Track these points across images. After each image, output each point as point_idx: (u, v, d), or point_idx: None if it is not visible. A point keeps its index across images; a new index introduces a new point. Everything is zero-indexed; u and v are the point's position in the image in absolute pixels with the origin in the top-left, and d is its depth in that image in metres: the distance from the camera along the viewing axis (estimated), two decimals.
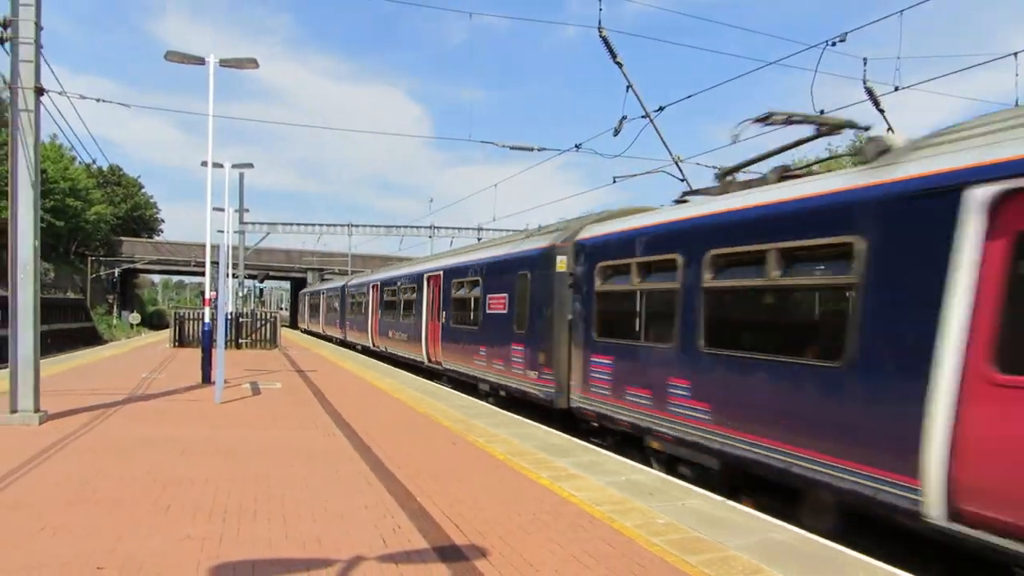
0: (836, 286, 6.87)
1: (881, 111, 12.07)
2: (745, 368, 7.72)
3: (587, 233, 11.63)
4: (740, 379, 7.80)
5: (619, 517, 6.29)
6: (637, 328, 10.05)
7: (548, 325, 12.25)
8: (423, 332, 20.00)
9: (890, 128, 12.13)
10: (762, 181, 8.70)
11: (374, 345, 27.46)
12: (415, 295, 21.21)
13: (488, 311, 15.25)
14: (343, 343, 34.74)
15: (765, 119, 8.56)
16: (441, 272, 18.79)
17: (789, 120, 8.75)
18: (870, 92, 12.04)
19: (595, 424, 11.09)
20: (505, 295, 14.49)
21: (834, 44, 10.87)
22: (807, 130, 8.81)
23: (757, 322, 8.34)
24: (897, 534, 6.18)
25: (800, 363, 6.96)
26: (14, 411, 9.96)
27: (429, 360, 19.62)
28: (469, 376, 16.23)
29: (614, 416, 10.19)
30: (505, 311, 14.34)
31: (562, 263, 12.00)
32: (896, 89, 11.81)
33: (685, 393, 8.55)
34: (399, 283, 23.60)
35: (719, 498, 7.08)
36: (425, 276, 20.21)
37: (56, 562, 4.83)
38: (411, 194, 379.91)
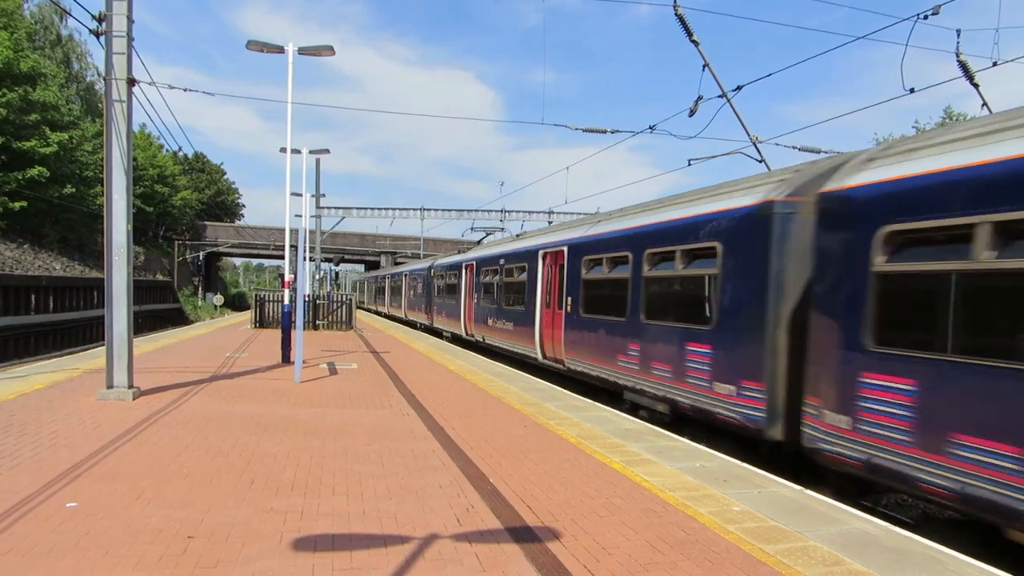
0: None
1: (975, 86, 11.42)
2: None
3: (474, 254, 24.24)
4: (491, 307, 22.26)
5: (693, 503, 6.21)
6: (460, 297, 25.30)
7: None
8: (402, 303, 38.94)
9: (985, 103, 11.47)
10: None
11: (405, 315, 41.44)
12: (397, 284, 41.20)
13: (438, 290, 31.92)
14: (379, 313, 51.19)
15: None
16: (409, 271, 37.49)
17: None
18: (964, 66, 11.42)
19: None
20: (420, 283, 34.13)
21: (926, 17, 10.29)
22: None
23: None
24: (983, 529, 5.91)
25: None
26: (110, 387, 10.52)
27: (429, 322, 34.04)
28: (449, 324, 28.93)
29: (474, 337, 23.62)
30: (421, 291, 34.02)
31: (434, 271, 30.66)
32: (994, 64, 11.10)
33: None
34: (399, 275, 41.35)
35: (798, 487, 6.90)
36: (404, 274, 38.13)
37: (150, 530, 5.10)
38: (482, 178, 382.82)
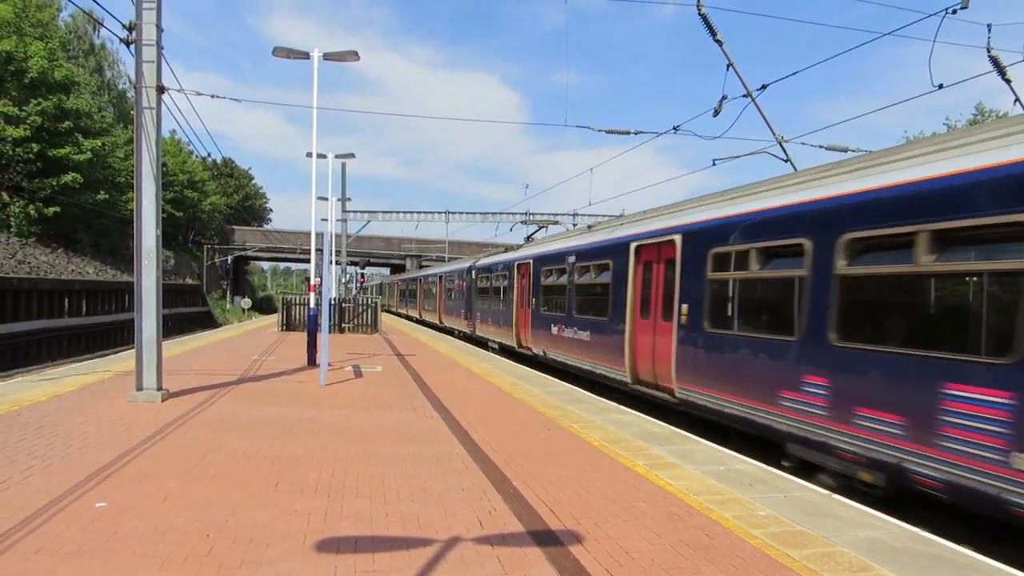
0: None
1: (1007, 81, 11.22)
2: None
3: (481, 260, 27.36)
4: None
5: (717, 507, 6.15)
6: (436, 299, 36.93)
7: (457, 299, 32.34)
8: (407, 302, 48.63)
9: (1018, 100, 11.24)
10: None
11: (419, 315, 47.09)
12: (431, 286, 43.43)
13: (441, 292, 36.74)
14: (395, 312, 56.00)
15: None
16: (397, 278, 51.27)
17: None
18: (995, 61, 11.22)
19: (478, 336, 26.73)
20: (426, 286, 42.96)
21: (955, 12, 10.09)
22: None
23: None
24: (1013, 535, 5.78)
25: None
26: (139, 389, 10.68)
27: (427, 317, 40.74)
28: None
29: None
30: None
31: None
32: None
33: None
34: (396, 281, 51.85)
35: (825, 491, 6.80)
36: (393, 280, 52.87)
37: (176, 530, 5.17)
38: (507, 180, 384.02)
